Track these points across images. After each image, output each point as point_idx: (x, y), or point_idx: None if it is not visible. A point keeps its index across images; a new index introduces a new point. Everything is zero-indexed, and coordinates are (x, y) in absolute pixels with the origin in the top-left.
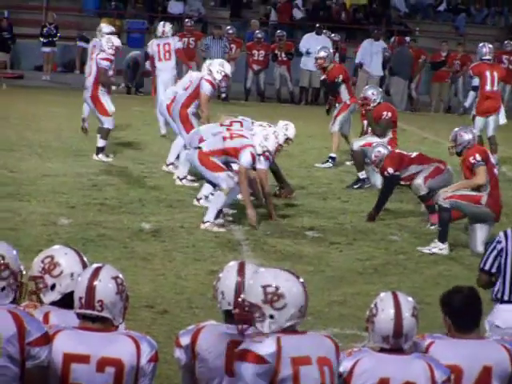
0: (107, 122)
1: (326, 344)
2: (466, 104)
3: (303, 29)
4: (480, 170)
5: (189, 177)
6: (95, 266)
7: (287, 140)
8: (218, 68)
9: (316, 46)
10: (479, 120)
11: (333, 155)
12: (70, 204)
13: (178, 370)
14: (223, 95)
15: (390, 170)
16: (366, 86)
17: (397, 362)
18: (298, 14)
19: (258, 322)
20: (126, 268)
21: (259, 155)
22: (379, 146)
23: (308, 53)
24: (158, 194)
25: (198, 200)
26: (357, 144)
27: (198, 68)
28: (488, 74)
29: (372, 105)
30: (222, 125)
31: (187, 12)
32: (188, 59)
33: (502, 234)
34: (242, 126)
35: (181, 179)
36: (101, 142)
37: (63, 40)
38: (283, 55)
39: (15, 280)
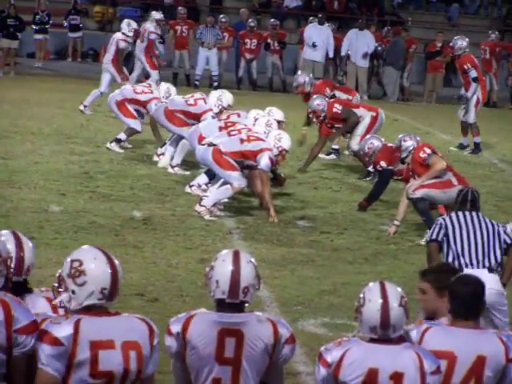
0: (134, 124)
1: (136, 328)
2: (469, 94)
3: (297, 17)
4: (434, 158)
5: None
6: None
7: (282, 152)
8: (216, 102)
9: (319, 36)
10: (480, 106)
11: (335, 147)
12: (61, 191)
13: (168, 358)
14: (215, 84)
15: (383, 164)
16: (311, 99)
17: (386, 352)
18: (291, 2)
19: (63, 295)
20: (116, 256)
21: (276, 156)
22: (372, 139)
23: (314, 45)
24: (149, 181)
25: (191, 187)
26: (354, 143)
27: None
28: (478, 63)
29: (322, 114)
30: (220, 119)
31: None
32: (181, 47)
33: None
34: (239, 116)
35: (173, 167)
36: (122, 135)
37: (56, 27)
38: (276, 44)
39: (5, 266)
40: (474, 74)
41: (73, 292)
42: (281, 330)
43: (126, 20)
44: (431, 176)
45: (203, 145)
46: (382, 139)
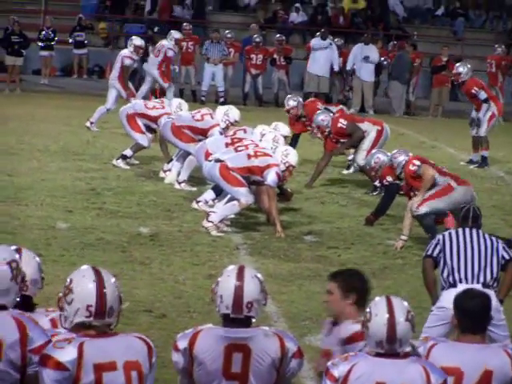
0: (141, 139)
1: (135, 347)
2: (480, 115)
3: (302, 33)
4: (424, 168)
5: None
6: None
7: (289, 167)
8: (223, 117)
9: (323, 51)
10: (496, 121)
11: (351, 157)
12: (68, 208)
13: (175, 374)
14: (221, 99)
15: (389, 179)
16: (316, 115)
17: (393, 366)
18: (297, 18)
19: (57, 313)
20: (124, 272)
21: (283, 172)
22: (379, 153)
23: (325, 47)
24: (156, 198)
25: (198, 202)
26: (360, 158)
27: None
28: (482, 82)
29: (327, 129)
30: (226, 136)
31: (185, 16)
32: (187, 63)
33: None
34: (245, 132)
35: (180, 183)
36: (128, 152)
37: (61, 44)
38: (282, 59)
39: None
40: (483, 95)
41: (65, 310)
42: (288, 344)
43: (132, 37)
44: (427, 187)
45: (210, 161)
46: (388, 154)
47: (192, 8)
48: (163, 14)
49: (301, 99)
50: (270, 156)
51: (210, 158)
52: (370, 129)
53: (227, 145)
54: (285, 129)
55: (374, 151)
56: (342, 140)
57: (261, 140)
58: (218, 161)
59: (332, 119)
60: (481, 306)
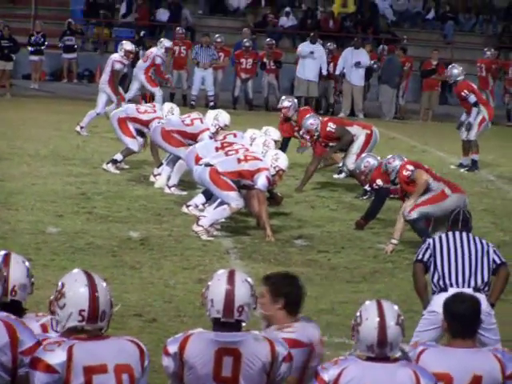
0: (131, 144)
1: (127, 350)
2: (471, 119)
3: (292, 37)
4: (417, 174)
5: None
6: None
7: (279, 172)
8: (213, 122)
9: (312, 55)
10: (487, 125)
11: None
12: (58, 212)
13: (166, 379)
14: (211, 103)
15: (379, 182)
16: (304, 119)
17: (383, 370)
18: (287, 22)
19: (49, 317)
20: (114, 277)
21: (273, 176)
22: (369, 157)
23: (312, 52)
24: (146, 202)
25: (188, 207)
26: (349, 162)
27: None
28: (474, 86)
29: (316, 133)
30: (216, 140)
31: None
32: (179, 67)
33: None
34: (235, 136)
35: (170, 187)
36: (119, 156)
37: (51, 49)
38: (272, 63)
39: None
40: (472, 99)
41: (57, 314)
42: (278, 348)
43: (123, 42)
44: (420, 192)
45: (200, 165)
46: (378, 157)
47: (169, 10)
48: (144, 19)
49: (296, 102)
50: (260, 160)
51: (200, 163)
52: (359, 132)
53: (217, 149)
54: (275, 133)
55: (363, 155)
56: (331, 144)
57: (251, 144)
58: (208, 165)
59: (321, 123)
60: (471, 309)
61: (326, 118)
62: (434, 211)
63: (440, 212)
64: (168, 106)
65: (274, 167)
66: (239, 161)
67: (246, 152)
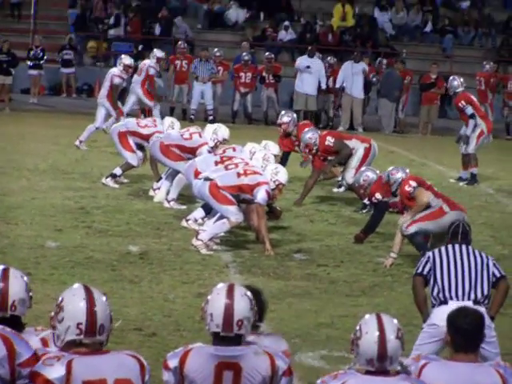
0: (131, 158)
1: (127, 365)
2: (468, 132)
3: (291, 51)
4: (418, 192)
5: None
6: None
7: (279, 186)
8: (212, 136)
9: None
10: (486, 139)
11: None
12: (57, 227)
13: None
14: (210, 117)
15: (378, 196)
16: (303, 133)
17: None
18: (286, 36)
19: (48, 331)
20: (113, 291)
21: (273, 190)
22: (368, 171)
23: (308, 66)
24: (145, 216)
25: (187, 221)
26: (348, 176)
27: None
28: (474, 98)
29: (315, 147)
30: (215, 154)
31: (174, 35)
32: (180, 81)
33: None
34: (234, 150)
35: (169, 201)
36: (118, 170)
37: (50, 63)
38: (271, 77)
39: None
40: (469, 110)
41: (57, 329)
42: (278, 362)
43: (122, 56)
44: (419, 210)
45: (200, 179)
46: (377, 171)
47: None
48: (136, 32)
49: (295, 117)
50: (260, 174)
51: (199, 177)
52: (357, 146)
53: (216, 163)
54: (274, 148)
55: (362, 169)
56: (329, 158)
57: (251, 158)
58: (207, 179)
59: (319, 137)
60: (474, 324)
61: (324, 132)
62: (432, 227)
63: (438, 228)
64: (169, 120)
65: (274, 181)
66: (239, 175)
67: (246, 166)
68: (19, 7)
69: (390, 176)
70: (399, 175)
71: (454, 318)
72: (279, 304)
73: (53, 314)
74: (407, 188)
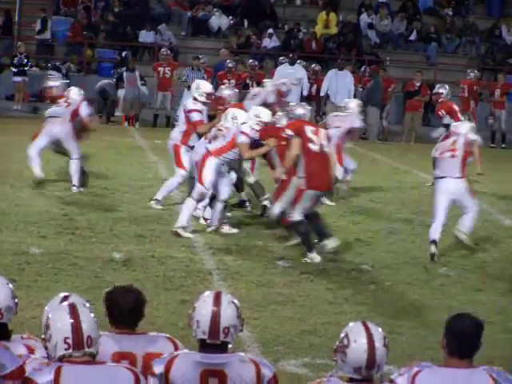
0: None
1: (121, 376)
2: (434, 135)
3: (275, 58)
4: (293, 143)
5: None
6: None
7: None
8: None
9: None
10: None
11: None
12: (41, 233)
13: None
14: None
15: (289, 132)
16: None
17: None
18: (270, 43)
19: (46, 351)
20: (97, 298)
21: (252, 128)
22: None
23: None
24: (129, 223)
25: (206, 220)
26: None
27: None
28: (456, 107)
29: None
30: (206, 138)
31: (158, 42)
32: (164, 89)
33: None
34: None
35: (154, 200)
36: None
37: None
38: (254, 85)
39: None
40: (446, 120)
41: (47, 348)
42: (263, 370)
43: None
44: (288, 161)
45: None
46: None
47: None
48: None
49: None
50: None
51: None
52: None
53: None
54: (266, 115)
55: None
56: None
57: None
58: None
59: None
60: (472, 328)
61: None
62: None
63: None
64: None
65: (257, 123)
66: (225, 137)
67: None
68: None
69: (289, 112)
70: (299, 112)
71: (452, 321)
72: (262, 311)
73: (43, 335)
74: (283, 134)
